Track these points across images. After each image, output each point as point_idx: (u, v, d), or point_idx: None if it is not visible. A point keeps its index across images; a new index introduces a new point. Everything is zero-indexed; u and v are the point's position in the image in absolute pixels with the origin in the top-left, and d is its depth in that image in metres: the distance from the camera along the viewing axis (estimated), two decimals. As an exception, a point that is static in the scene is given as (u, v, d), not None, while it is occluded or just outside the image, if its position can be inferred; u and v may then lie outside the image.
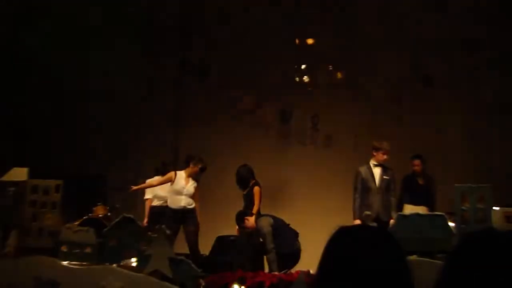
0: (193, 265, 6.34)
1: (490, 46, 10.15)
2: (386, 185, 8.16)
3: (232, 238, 8.92)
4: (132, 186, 8.64)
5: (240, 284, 6.13)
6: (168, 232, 6.77)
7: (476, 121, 10.22)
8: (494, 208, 6.81)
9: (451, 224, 6.86)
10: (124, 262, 6.36)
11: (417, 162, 8.78)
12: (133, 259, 6.39)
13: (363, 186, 8.13)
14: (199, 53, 11.23)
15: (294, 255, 7.86)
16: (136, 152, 10.74)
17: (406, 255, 1.99)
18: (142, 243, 6.48)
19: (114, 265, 6.27)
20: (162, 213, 8.66)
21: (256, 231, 8.07)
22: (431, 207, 8.37)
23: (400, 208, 8.46)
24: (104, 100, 10.54)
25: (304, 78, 11.07)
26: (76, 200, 8.80)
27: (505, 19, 9.96)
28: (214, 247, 9.04)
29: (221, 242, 9.04)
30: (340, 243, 1.97)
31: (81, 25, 10.37)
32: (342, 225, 2.03)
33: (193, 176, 8.54)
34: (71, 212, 8.56)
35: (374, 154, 8.15)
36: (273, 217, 8.10)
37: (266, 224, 7.91)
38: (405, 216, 7.00)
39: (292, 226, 8.22)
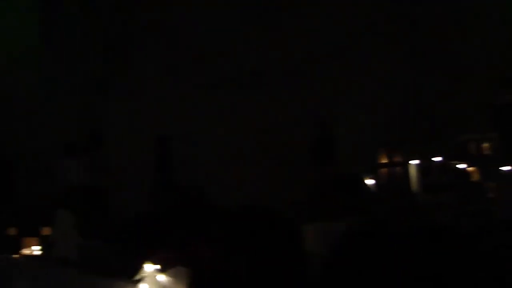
0: (103, 248, 5.94)
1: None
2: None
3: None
4: None
5: (153, 262, 5.74)
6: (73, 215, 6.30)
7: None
8: (411, 162, 6.72)
9: (369, 181, 6.72)
10: (26, 251, 5.88)
11: None
12: (36, 247, 5.92)
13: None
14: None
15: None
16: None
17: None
18: (45, 229, 6.02)
19: (15, 255, 5.79)
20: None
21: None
22: None
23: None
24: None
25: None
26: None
27: None
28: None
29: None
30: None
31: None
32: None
33: None
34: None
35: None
36: None
37: None
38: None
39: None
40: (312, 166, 7.87)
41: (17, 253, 5.85)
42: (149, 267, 4.76)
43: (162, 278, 4.73)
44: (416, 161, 6.79)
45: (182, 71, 10.02)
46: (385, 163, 6.64)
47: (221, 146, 9.74)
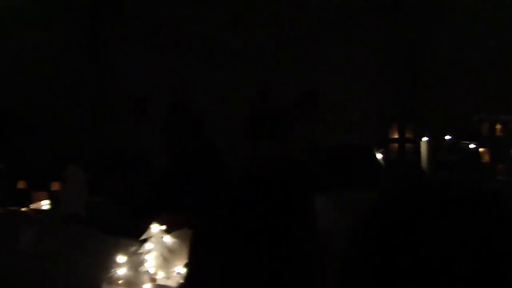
0: (112, 207, 5.97)
1: None
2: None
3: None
4: None
5: (160, 223, 5.77)
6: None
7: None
8: (423, 139, 6.67)
9: (378, 155, 6.68)
10: (34, 206, 5.91)
11: None
12: (45, 202, 5.95)
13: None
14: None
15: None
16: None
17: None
18: (54, 184, 6.05)
19: (24, 209, 5.82)
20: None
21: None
22: None
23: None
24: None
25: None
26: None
27: None
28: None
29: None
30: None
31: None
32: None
33: None
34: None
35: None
36: None
37: None
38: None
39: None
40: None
41: (25, 206, 5.89)
42: (155, 228, 4.79)
43: (168, 239, 4.77)
44: (427, 138, 6.76)
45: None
46: (396, 138, 6.60)
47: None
